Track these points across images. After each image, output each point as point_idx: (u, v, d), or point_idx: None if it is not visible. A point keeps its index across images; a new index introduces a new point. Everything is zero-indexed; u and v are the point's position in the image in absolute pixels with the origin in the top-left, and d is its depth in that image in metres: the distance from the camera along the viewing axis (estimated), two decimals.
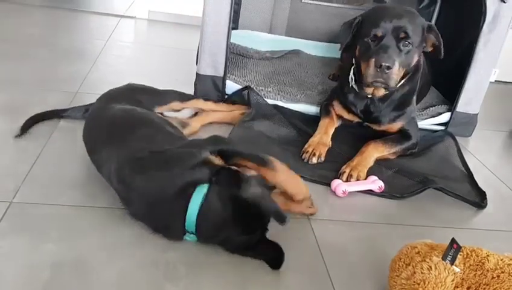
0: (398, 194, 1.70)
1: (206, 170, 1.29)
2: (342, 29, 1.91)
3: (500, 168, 2.08)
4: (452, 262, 1.09)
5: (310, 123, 2.08)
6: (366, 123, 2.01)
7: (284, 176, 1.43)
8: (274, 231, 1.31)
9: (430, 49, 1.85)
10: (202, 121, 2.00)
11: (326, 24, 3.20)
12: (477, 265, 1.10)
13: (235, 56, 2.66)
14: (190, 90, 2.18)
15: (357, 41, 1.82)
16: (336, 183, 1.68)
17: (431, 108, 2.31)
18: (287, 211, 1.38)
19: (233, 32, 2.52)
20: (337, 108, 2.04)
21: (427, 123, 2.29)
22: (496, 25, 2.12)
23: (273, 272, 1.25)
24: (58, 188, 1.46)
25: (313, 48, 3.06)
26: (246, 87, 2.20)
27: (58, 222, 1.32)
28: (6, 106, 1.93)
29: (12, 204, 1.36)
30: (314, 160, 1.82)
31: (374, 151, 1.85)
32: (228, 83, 2.25)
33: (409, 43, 1.73)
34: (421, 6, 2.87)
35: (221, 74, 2.21)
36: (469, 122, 2.32)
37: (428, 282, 1.05)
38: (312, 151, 1.84)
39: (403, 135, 1.97)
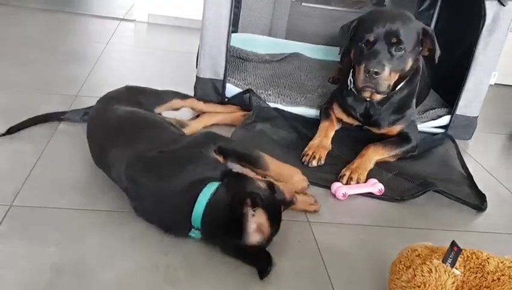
0: (398, 197, 1.70)
1: (216, 168, 1.35)
2: (340, 32, 1.92)
3: (500, 171, 2.08)
4: (452, 265, 1.08)
5: (310, 126, 2.08)
6: (365, 126, 2.01)
7: (274, 171, 1.55)
8: None
9: (426, 53, 1.85)
10: (204, 122, 2.01)
11: (326, 27, 3.20)
12: (478, 268, 1.10)
13: (235, 59, 2.67)
14: (190, 94, 2.17)
15: (353, 45, 1.83)
16: (336, 186, 1.68)
17: (431, 111, 2.32)
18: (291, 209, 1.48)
19: (233, 35, 2.52)
20: (337, 111, 2.04)
21: (426, 126, 2.29)
22: (495, 28, 2.12)
23: (273, 276, 1.24)
24: (58, 191, 1.46)
25: (312, 51, 3.07)
26: (247, 91, 2.21)
27: (58, 225, 1.32)
28: (5, 108, 1.93)
29: (12, 207, 1.36)
30: (314, 163, 1.82)
31: (374, 154, 1.85)
32: (228, 86, 2.25)
33: (401, 48, 1.73)
34: (421, 9, 2.87)
35: (221, 77, 2.21)
36: (469, 125, 2.32)
37: (429, 285, 1.05)
38: (312, 154, 1.84)
39: (402, 138, 1.97)
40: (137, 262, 1.23)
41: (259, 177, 1.45)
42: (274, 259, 1.26)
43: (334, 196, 1.66)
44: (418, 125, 2.10)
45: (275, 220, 1.28)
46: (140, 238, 1.31)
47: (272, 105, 2.21)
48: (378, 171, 1.83)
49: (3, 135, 1.72)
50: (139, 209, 1.37)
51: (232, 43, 2.36)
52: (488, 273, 1.08)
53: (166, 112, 1.90)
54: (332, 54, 2.96)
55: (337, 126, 2.05)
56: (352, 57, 1.85)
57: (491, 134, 2.51)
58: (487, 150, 2.33)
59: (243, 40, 2.91)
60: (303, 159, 1.84)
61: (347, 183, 1.71)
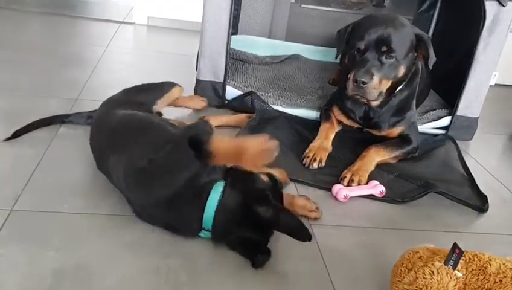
0: (400, 199, 1.70)
1: (217, 167, 1.35)
2: (336, 36, 1.93)
3: (501, 172, 2.08)
4: (454, 267, 1.08)
5: (310, 128, 2.08)
6: (366, 129, 2.01)
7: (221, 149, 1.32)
8: (275, 236, 1.32)
9: (421, 60, 1.84)
10: None
11: (326, 29, 3.21)
12: (480, 270, 1.09)
13: (235, 61, 2.67)
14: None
15: (347, 50, 1.83)
16: (337, 188, 1.67)
17: (431, 112, 2.31)
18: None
19: (233, 37, 2.52)
20: (337, 114, 2.04)
21: (427, 127, 2.28)
22: (495, 29, 2.12)
23: (274, 278, 1.24)
24: (58, 195, 1.46)
25: (312, 53, 3.07)
26: (249, 93, 2.21)
27: (58, 229, 1.32)
28: (5, 112, 1.93)
29: (13, 212, 1.36)
30: (315, 165, 1.82)
31: (375, 156, 1.85)
32: (228, 88, 2.25)
33: (392, 56, 1.73)
34: (421, 10, 2.87)
35: (221, 79, 2.21)
36: (469, 126, 2.32)
37: (431, 287, 1.05)
38: (313, 156, 1.84)
39: (403, 139, 1.97)
40: (139, 266, 1.22)
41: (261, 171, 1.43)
42: (275, 262, 1.27)
43: (335, 198, 1.66)
44: (419, 127, 2.10)
45: None
46: (141, 242, 1.31)
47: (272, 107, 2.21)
48: (379, 172, 1.83)
49: (9, 138, 1.71)
50: (142, 214, 1.37)
51: (232, 45, 2.36)
52: (490, 275, 1.08)
53: (167, 113, 1.89)
54: (332, 55, 2.94)
55: (337, 128, 2.05)
56: (346, 63, 1.86)
57: (492, 135, 2.51)
58: (488, 151, 2.32)
59: (242, 42, 2.91)
60: (304, 161, 1.84)
61: (348, 185, 1.71)
